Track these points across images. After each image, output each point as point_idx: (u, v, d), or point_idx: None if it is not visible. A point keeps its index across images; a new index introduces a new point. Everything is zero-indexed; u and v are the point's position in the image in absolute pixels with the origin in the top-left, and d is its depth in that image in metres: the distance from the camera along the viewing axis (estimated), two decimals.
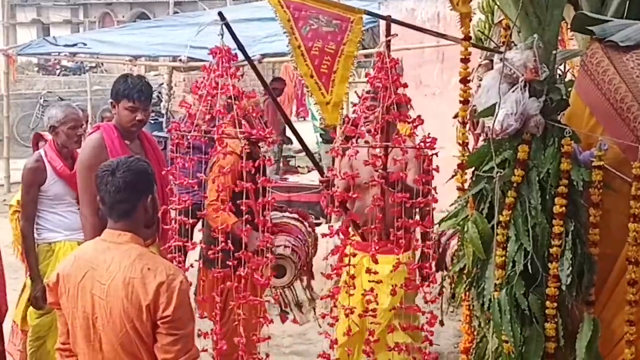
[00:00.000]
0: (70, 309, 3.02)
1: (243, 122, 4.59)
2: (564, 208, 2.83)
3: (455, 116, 5.15)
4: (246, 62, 5.00)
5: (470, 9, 3.16)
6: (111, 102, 4.71)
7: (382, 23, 10.60)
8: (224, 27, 4.25)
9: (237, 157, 4.65)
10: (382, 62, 4.20)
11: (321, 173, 4.87)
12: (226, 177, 4.66)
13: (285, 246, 4.84)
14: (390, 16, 4.47)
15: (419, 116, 4.12)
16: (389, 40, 4.32)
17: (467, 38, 3.19)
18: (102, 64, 26.46)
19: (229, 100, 4.21)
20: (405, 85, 4.20)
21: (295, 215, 5.25)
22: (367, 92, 4.54)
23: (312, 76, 3.91)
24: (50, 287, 3.12)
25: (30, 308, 5.07)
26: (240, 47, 4.59)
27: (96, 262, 2.97)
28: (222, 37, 4.29)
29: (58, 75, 29.93)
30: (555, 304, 2.85)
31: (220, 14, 4.29)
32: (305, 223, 5.17)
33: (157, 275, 2.91)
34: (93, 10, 38.60)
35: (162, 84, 16.21)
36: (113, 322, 2.91)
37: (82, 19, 38.53)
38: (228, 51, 4.23)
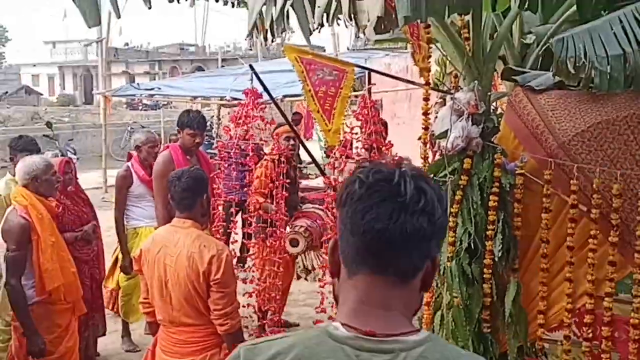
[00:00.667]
0: (149, 273, 3.03)
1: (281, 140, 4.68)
2: (496, 203, 2.82)
3: (419, 138, 5.15)
4: (271, 101, 5.06)
5: (428, 64, 3.16)
6: (177, 130, 4.72)
7: (367, 73, 10.66)
8: (253, 75, 4.34)
9: (272, 163, 4.80)
10: (364, 102, 4.27)
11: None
12: (263, 176, 4.84)
13: (301, 226, 4.85)
14: (371, 69, 4.49)
15: (389, 141, 4.22)
16: (370, 88, 4.39)
17: (427, 84, 3.18)
18: (171, 102, 26.45)
19: (258, 127, 4.29)
20: (381, 120, 4.28)
21: (321, 207, 5.24)
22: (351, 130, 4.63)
23: (318, 111, 3.91)
24: (135, 259, 3.13)
25: (121, 274, 5.08)
26: (265, 89, 4.63)
27: (168, 240, 2.98)
28: (252, 82, 4.38)
29: (140, 110, 30.01)
30: (490, 271, 2.84)
31: (250, 66, 4.37)
32: (328, 212, 5.16)
33: (210, 250, 2.92)
34: (165, 64, 38.79)
35: (213, 116, 16.22)
36: (179, 283, 2.91)
37: (157, 70, 38.68)
38: (255, 92, 4.31)
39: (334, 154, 4.42)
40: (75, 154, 13.95)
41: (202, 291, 2.93)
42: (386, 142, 4.55)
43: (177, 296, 2.93)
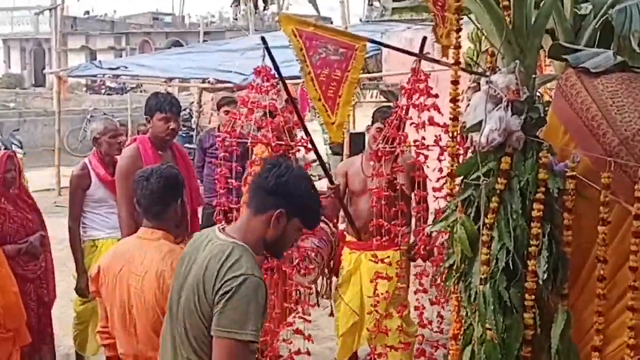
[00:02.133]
0: (109, 297, 3.03)
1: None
2: (541, 212, 2.80)
3: (446, 131, 5.14)
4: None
5: (451, 41, 3.15)
6: (146, 118, 4.69)
7: (385, 50, 10.67)
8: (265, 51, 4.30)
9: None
10: (416, 74, 4.26)
11: (331, 181, 4.86)
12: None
13: (312, 249, 4.82)
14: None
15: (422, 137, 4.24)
16: (420, 60, 4.36)
17: (456, 63, 3.17)
18: (141, 84, 26.55)
19: (263, 116, 4.24)
20: (436, 96, 4.28)
21: (322, 218, 5.24)
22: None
23: (320, 99, 3.90)
24: (92, 278, 3.13)
25: (75, 296, 5.08)
26: (276, 68, 4.58)
27: (132, 256, 2.98)
28: (264, 59, 4.32)
29: (103, 94, 30.14)
30: (533, 297, 2.82)
31: (262, 38, 4.28)
32: (330, 224, 5.17)
33: None
34: (134, 38, 38.85)
35: (193, 102, 16.25)
36: (146, 309, 2.91)
37: (125, 45, 38.78)
38: (269, 71, 4.25)
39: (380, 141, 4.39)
40: (21, 147, 14.00)
41: None
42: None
43: (144, 325, 2.93)
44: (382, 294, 4.52)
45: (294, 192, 2.58)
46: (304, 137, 4.39)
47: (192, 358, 2.44)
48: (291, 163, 2.72)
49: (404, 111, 4.41)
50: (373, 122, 5.06)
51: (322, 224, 5.08)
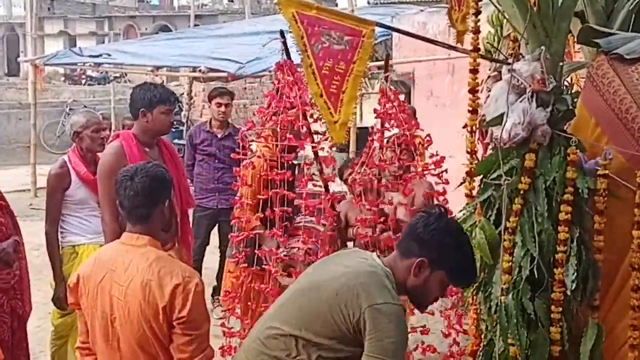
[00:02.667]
0: (90, 309, 3.02)
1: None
2: (569, 215, 2.80)
3: (465, 126, 5.14)
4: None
5: (467, 26, 3.15)
6: (141, 111, 4.59)
7: (395, 36, 10.66)
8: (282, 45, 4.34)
9: (264, 162, 4.77)
10: (384, 95, 4.29)
11: (326, 187, 4.88)
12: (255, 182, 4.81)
13: (299, 248, 4.84)
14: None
15: (428, 135, 4.24)
16: (387, 76, 4.40)
17: (475, 50, 3.17)
18: (125, 74, 26.59)
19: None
20: (409, 114, 4.32)
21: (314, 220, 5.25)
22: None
23: (321, 95, 3.87)
24: (71, 288, 3.12)
25: (53, 308, 5.07)
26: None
27: (115, 264, 2.97)
28: (282, 54, 4.36)
29: (83, 85, 30.12)
30: (561, 309, 2.83)
31: (281, 32, 4.29)
32: (327, 224, 5.18)
33: (174, 277, 2.90)
34: (117, 22, 38.79)
35: (182, 93, 16.26)
36: (131, 322, 2.90)
37: (107, 31, 38.73)
38: (292, 65, 4.29)
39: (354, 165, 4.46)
40: None
41: (161, 334, 2.90)
42: (417, 133, 4.55)
43: (128, 340, 2.92)
44: None
45: (439, 243, 2.73)
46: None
47: None
48: (444, 212, 2.83)
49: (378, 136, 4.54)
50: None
51: (317, 225, 5.10)
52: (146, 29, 36.19)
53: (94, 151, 4.98)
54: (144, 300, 2.87)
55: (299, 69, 4.34)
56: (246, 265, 4.69)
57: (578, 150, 2.82)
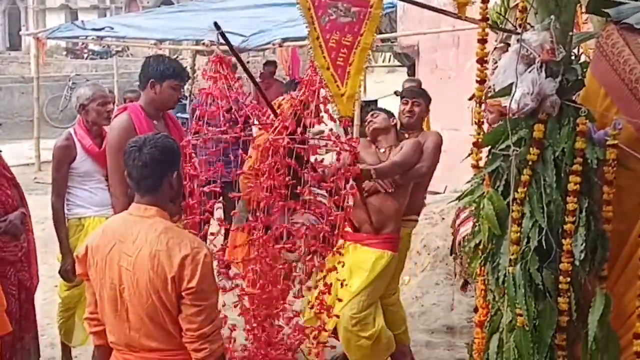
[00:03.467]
0: (98, 279, 3.02)
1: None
2: (578, 186, 2.80)
3: (471, 98, 5.12)
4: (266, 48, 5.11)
5: None
6: (151, 82, 4.58)
7: (399, 8, 10.59)
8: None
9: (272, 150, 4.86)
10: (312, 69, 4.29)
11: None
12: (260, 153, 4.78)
13: (303, 223, 4.84)
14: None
15: None
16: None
17: (484, 19, 3.14)
18: (127, 48, 26.50)
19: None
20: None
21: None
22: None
23: (328, 68, 3.85)
24: (79, 259, 3.13)
25: (60, 280, 5.10)
26: (236, 55, 4.64)
27: (123, 235, 2.97)
28: (218, 40, 4.42)
29: (86, 59, 30.02)
30: (569, 279, 2.82)
31: (215, 24, 4.32)
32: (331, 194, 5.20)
33: (182, 248, 2.90)
34: None
35: (186, 67, 16.17)
36: (139, 293, 2.91)
37: (109, 4, 38.45)
38: (223, 59, 4.33)
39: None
40: None
41: (170, 304, 2.91)
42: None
43: (137, 311, 2.93)
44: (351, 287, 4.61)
45: None
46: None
47: None
48: None
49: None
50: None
51: (323, 199, 5.09)
52: (148, 2, 35.93)
53: (99, 124, 4.99)
54: (153, 270, 2.88)
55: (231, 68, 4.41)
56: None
57: (587, 121, 2.80)
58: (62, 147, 4.97)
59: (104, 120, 4.96)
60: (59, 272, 5.03)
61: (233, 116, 4.47)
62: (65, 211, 4.99)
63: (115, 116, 4.77)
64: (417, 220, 5.33)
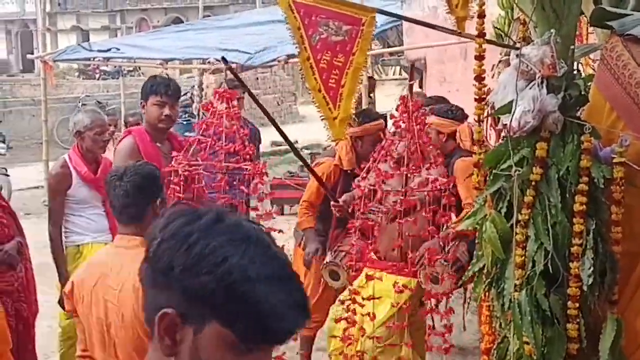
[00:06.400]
0: (85, 315, 2.99)
1: None
2: (584, 206, 2.72)
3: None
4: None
5: (467, 12, 3.05)
6: (141, 103, 4.71)
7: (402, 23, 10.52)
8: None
9: (334, 165, 5.18)
10: (405, 105, 4.19)
11: (325, 188, 4.89)
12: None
13: (345, 252, 4.78)
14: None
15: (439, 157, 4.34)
16: (412, 85, 4.31)
17: (481, 35, 3.06)
18: (139, 68, 26.63)
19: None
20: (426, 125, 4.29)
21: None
22: (393, 134, 4.55)
23: (319, 90, 3.76)
24: (66, 295, 3.09)
25: (60, 310, 5.04)
26: (243, 85, 4.86)
27: (107, 267, 2.94)
28: (226, 76, 4.48)
29: (97, 79, 30.33)
30: (577, 304, 2.75)
31: (223, 58, 4.34)
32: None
33: None
34: (130, 16, 38.98)
35: (194, 86, 16.20)
36: (126, 328, 2.86)
37: (120, 24, 38.92)
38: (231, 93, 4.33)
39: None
40: (4, 141, 13.99)
41: None
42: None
43: (125, 346, 2.89)
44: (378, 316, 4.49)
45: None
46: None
47: None
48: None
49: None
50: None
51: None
52: (158, 21, 36.29)
53: (94, 152, 4.98)
54: (137, 303, 2.82)
55: (236, 101, 4.41)
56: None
57: (592, 138, 2.74)
58: (58, 175, 4.96)
59: (98, 150, 4.99)
60: (58, 301, 4.96)
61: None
62: (63, 239, 4.96)
63: (120, 140, 4.79)
64: None
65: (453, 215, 4.48)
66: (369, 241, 4.41)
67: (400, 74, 16.10)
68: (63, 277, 4.89)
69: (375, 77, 14.85)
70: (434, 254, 4.24)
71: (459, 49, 9.97)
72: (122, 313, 2.86)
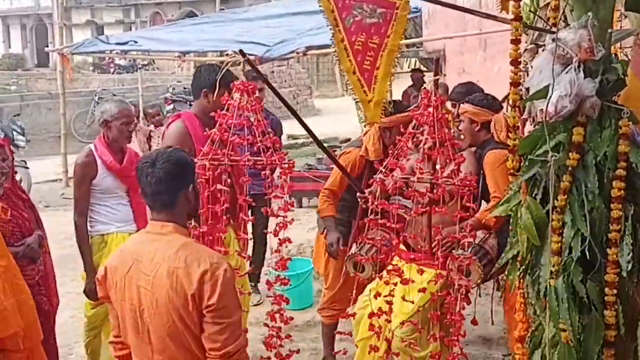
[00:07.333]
0: (119, 301, 2.98)
1: None
2: (622, 191, 2.70)
3: (504, 99, 4.98)
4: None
5: None
6: (204, 92, 4.75)
7: (425, 12, 10.48)
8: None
9: (360, 156, 5.07)
10: (428, 99, 4.08)
11: (350, 179, 4.83)
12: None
13: (371, 246, 4.70)
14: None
15: (460, 154, 4.11)
16: (437, 80, 4.23)
17: (517, 18, 3.03)
18: (153, 61, 26.69)
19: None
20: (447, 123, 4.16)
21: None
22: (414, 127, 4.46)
23: (354, 73, 3.74)
24: (99, 281, 3.08)
25: (86, 299, 5.04)
26: (264, 79, 4.87)
27: (141, 253, 2.92)
28: (244, 68, 4.44)
29: (112, 73, 30.40)
30: (615, 291, 2.72)
31: (241, 50, 4.34)
32: None
33: (201, 264, 2.84)
34: (144, 10, 38.98)
35: None
36: (159, 313, 2.85)
37: (134, 19, 38.93)
38: (251, 86, 4.23)
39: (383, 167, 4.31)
40: (23, 134, 14.00)
41: (192, 323, 2.84)
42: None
43: (158, 332, 2.86)
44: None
45: None
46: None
47: None
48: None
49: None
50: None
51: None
52: (172, 15, 36.24)
53: (120, 142, 4.97)
54: (172, 289, 2.82)
55: (258, 92, 4.26)
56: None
57: (630, 123, 2.70)
58: (83, 164, 4.94)
59: (124, 140, 4.98)
60: (84, 291, 4.97)
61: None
62: (88, 228, 4.95)
63: (170, 124, 4.89)
64: None
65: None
66: (398, 233, 4.35)
67: (415, 66, 15.97)
68: (89, 266, 4.89)
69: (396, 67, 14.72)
70: (454, 241, 4.18)
71: (478, 40, 9.91)
72: (155, 299, 2.84)
